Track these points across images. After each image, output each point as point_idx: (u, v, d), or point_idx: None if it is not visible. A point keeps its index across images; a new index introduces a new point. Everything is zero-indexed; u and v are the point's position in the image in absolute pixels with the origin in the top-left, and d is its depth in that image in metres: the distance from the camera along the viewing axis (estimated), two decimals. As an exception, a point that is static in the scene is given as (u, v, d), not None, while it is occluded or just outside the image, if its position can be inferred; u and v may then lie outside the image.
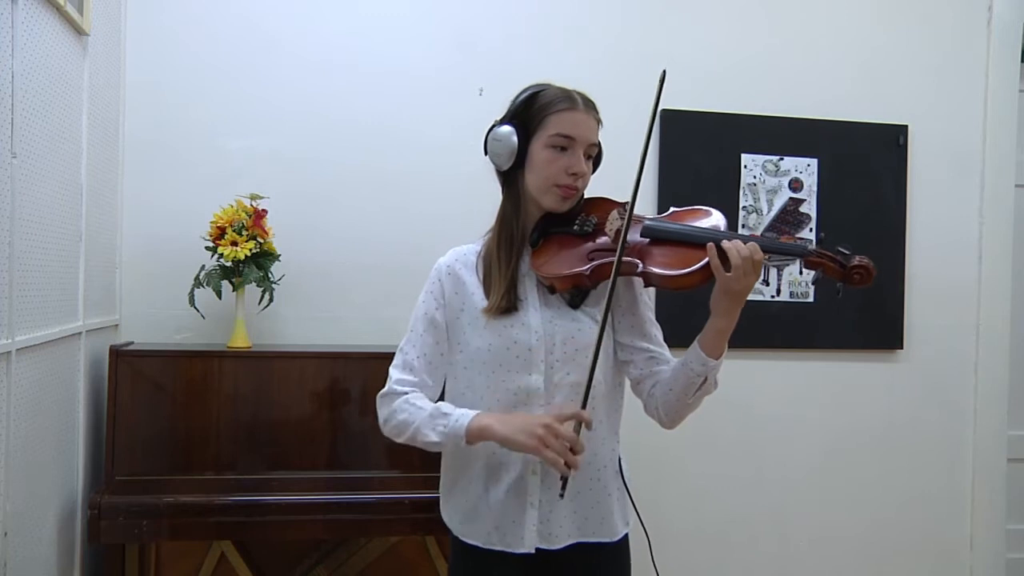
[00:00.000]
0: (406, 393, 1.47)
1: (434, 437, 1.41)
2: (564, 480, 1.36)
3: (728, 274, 1.33)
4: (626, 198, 1.44)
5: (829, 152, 2.68)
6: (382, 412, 1.50)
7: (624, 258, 1.40)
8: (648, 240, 1.44)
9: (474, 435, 1.39)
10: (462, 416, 1.40)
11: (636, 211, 1.43)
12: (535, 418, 1.37)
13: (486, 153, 1.51)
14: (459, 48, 2.47)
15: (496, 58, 2.46)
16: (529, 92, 1.49)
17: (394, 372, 1.50)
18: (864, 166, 2.70)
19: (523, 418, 1.39)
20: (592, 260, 1.44)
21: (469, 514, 1.50)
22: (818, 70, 2.68)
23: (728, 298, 1.36)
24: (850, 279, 1.35)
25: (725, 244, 1.33)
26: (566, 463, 1.33)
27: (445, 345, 1.52)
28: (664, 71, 1.40)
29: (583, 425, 1.37)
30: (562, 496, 1.39)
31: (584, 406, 1.38)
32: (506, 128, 1.47)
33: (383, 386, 1.50)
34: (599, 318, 1.40)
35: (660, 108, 1.44)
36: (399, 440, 1.48)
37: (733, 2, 2.64)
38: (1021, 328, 2.86)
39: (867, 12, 2.72)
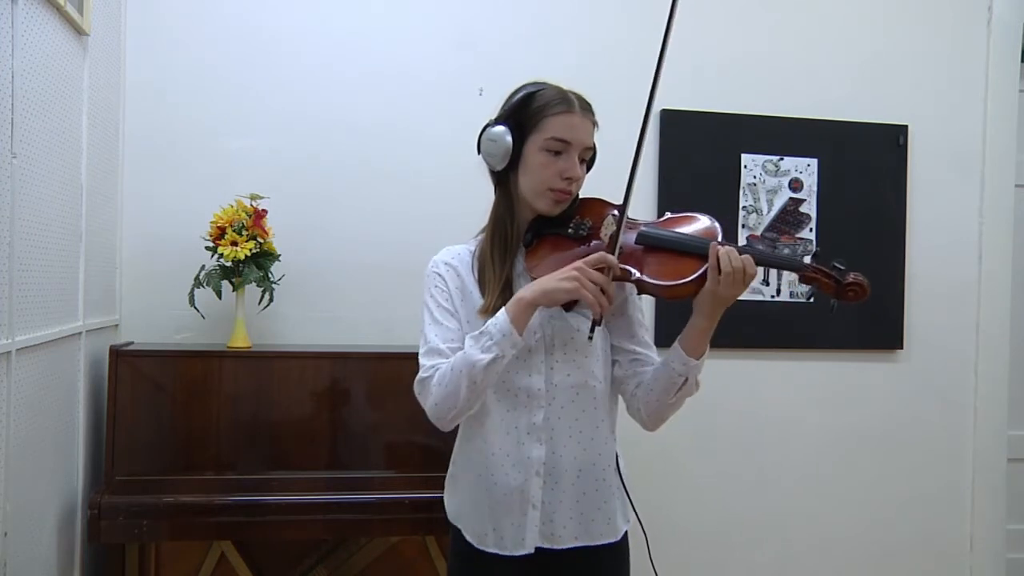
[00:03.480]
0: (439, 369, 1.41)
1: (487, 356, 1.33)
2: (594, 323, 1.36)
3: (718, 278, 1.32)
4: (621, 199, 1.43)
5: (829, 152, 2.68)
6: (426, 399, 1.41)
7: (619, 265, 1.39)
8: (643, 247, 1.42)
9: (518, 317, 1.34)
10: (496, 317, 1.36)
11: (631, 215, 1.43)
12: (564, 268, 1.35)
13: (479, 152, 1.49)
14: (459, 48, 2.47)
15: (496, 58, 2.46)
16: (525, 92, 1.46)
17: (423, 360, 1.44)
18: (864, 166, 2.70)
19: (551, 274, 1.37)
20: None
21: (470, 512, 1.50)
22: (818, 70, 2.68)
23: (713, 301, 1.35)
24: (844, 296, 1.34)
25: (720, 250, 1.32)
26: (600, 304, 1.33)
27: (465, 327, 1.46)
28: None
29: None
30: (591, 339, 1.39)
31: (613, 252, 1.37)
32: (500, 128, 1.45)
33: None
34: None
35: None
36: (456, 410, 1.38)
37: (733, 2, 2.64)
38: (1021, 328, 2.86)
39: (867, 12, 2.72)
